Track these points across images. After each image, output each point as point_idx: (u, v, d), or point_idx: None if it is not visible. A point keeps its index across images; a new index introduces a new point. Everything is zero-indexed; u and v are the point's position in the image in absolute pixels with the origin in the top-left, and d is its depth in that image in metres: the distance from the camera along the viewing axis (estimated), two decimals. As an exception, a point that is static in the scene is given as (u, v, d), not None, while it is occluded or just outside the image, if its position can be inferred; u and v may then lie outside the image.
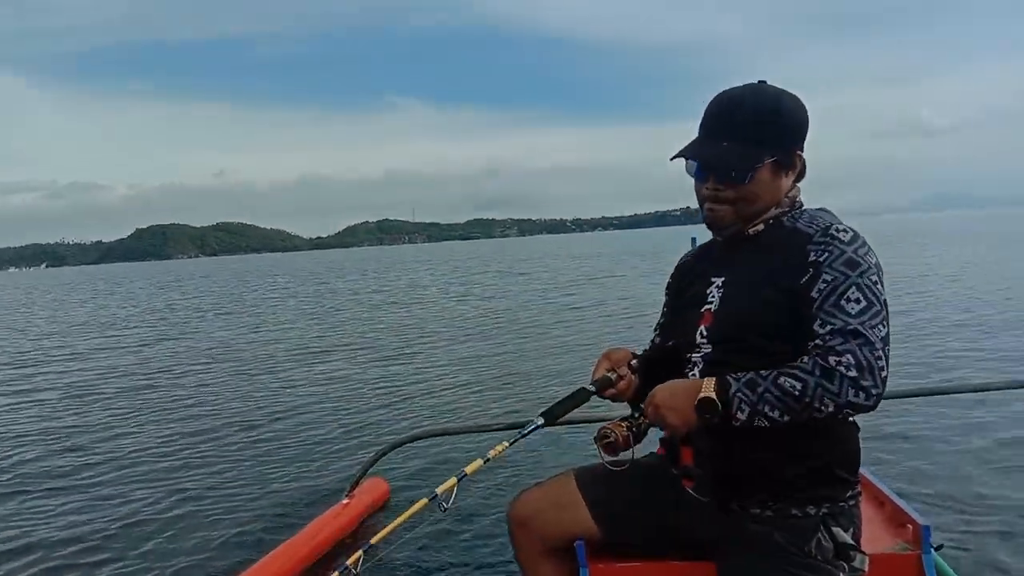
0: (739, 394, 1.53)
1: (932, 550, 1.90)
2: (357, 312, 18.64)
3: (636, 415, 1.72)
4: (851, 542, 1.66)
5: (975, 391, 4.13)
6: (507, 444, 1.87)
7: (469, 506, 4.21)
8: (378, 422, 6.70)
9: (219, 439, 6.41)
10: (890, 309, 1.58)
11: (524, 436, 1.85)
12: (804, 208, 1.78)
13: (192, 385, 9.25)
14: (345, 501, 4.05)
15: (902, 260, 24.05)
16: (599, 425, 1.73)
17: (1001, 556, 3.21)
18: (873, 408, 1.50)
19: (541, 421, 1.85)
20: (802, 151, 1.76)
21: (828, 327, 1.54)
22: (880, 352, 1.50)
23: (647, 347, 2.02)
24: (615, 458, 1.70)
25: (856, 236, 1.62)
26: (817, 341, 1.54)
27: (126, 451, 6.19)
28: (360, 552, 1.89)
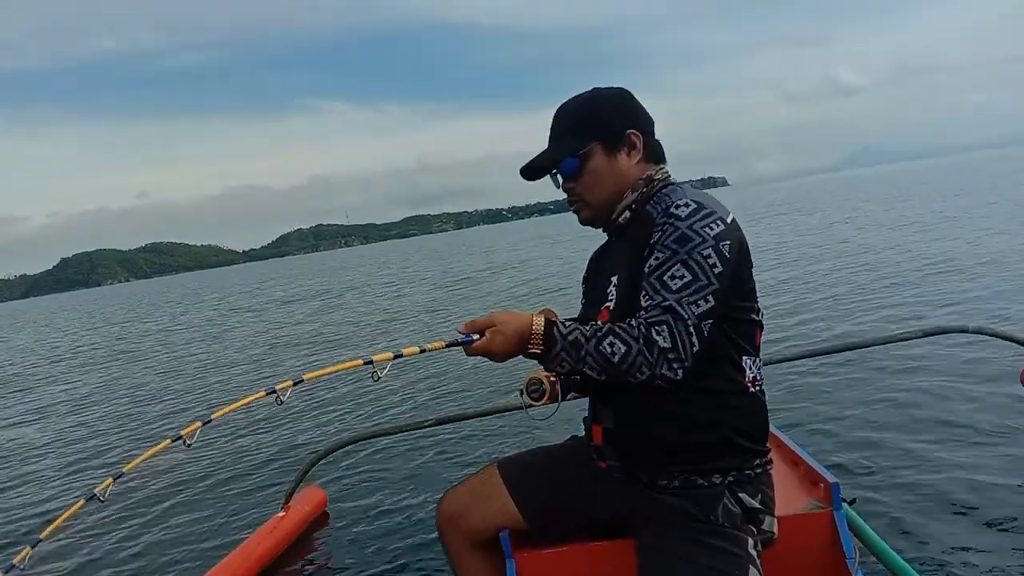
0: (562, 353, 1.62)
1: (844, 506, 1.96)
2: (266, 325, 18.33)
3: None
4: (758, 507, 1.71)
5: (885, 343, 4.25)
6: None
7: (404, 507, 4.20)
8: (308, 432, 6.62)
9: (135, 460, 6.21)
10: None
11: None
12: (663, 188, 1.81)
13: (106, 412, 8.97)
14: (281, 514, 3.99)
15: (819, 218, 24.78)
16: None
17: (913, 505, 3.32)
18: (680, 382, 1.57)
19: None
20: (636, 130, 1.83)
21: (648, 300, 1.61)
22: (692, 328, 1.56)
23: None
24: (540, 405, 1.82)
25: (697, 210, 1.64)
26: (640, 313, 1.61)
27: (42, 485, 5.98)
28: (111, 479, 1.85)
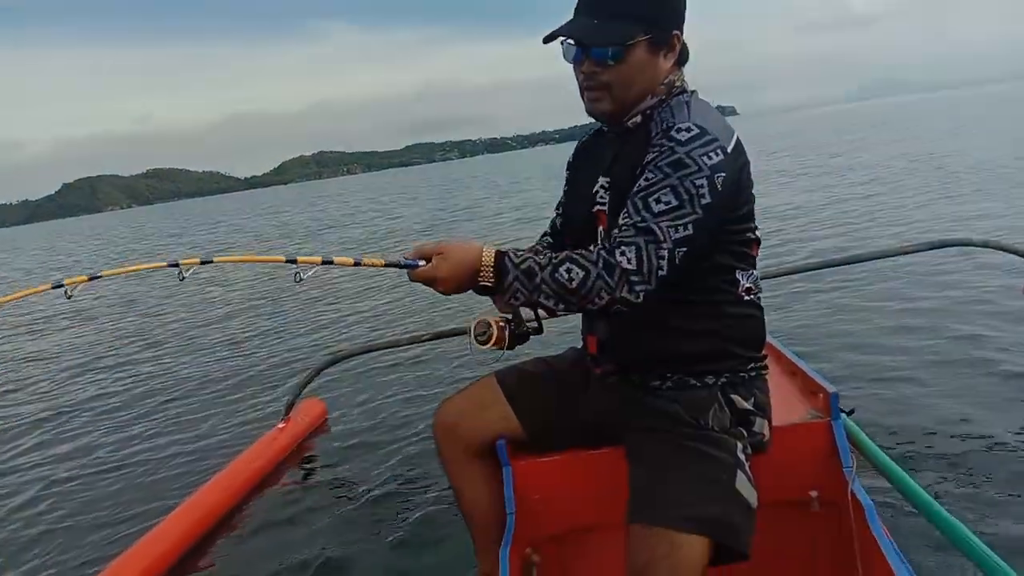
0: (516, 283, 1.55)
1: (842, 415, 1.94)
2: (270, 244, 18.35)
3: (515, 318, 1.76)
4: (750, 408, 1.70)
5: (888, 256, 4.21)
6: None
7: (402, 418, 4.21)
8: (310, 345, 6.65)
9: (144, 383, 6.28)
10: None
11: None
12: (679, 96, 1.69)
13: (109, 332, 9.01)
14: (281, 425, 4.03)
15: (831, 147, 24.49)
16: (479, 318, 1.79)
17: (912, 418, 3.31)
18: (640, 304, 1.51)
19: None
20: (681, 32, 1.69)
21: (626, 219, 1.54)
22: (665, 252, 1.49)
23: (546, 231, 2.07)
24: (486, 349, 1.74)
25: (700, 135, 1.54)
26: (613, 232, 1.55)
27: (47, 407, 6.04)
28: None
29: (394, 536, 2.97)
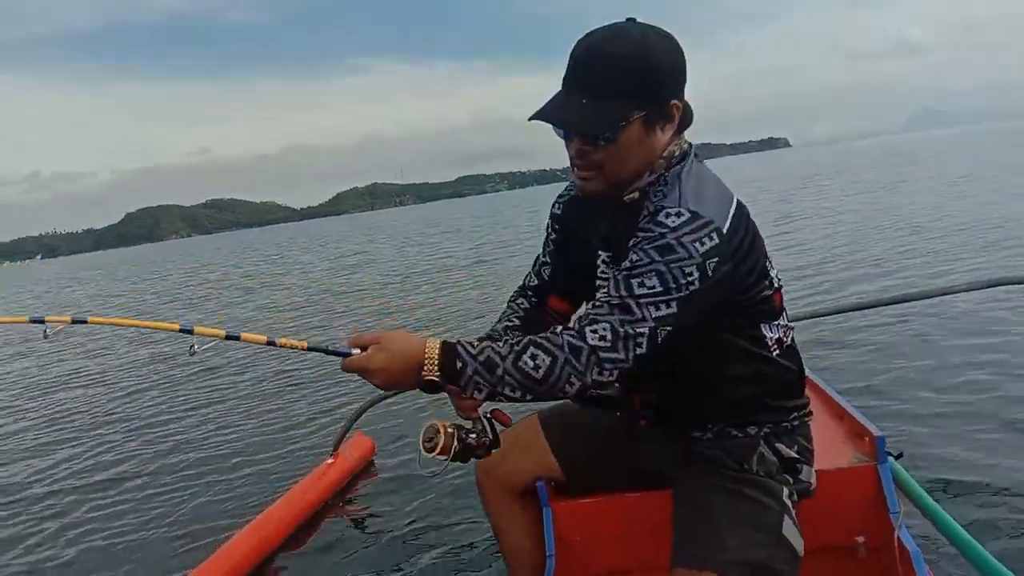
0: (476, 376, 1.44)
1: (889, 459, 1.92)
2: (327, 277, 18.61)
3: (473, 426, 1.60)
4: (795, 456, 1.69)
5: (941, 295, 4.13)
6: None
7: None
8: (357, 381, 6.66)
9: (191, 414, 6.40)
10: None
11: None
12: (676, 168, 1.58)
13: (163, 362, 9.23)
14: (330, 461, 4.09)
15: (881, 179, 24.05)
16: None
17: (962, 464, 3.25)
18: (616, 382, 1.45)
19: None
20: (681, 98, 1.57)
21: (603, 295, 1.46)
22: (645, 329, 1.41)
23: (520, 291, 1.98)
24: (434, 457, 1.54)
25: (691, 220, 1.44)
26: (587, 307, 1.48)
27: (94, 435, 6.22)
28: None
29: (440, 575, 2.99)
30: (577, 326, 1.44)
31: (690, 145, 1.63)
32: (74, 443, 6.04)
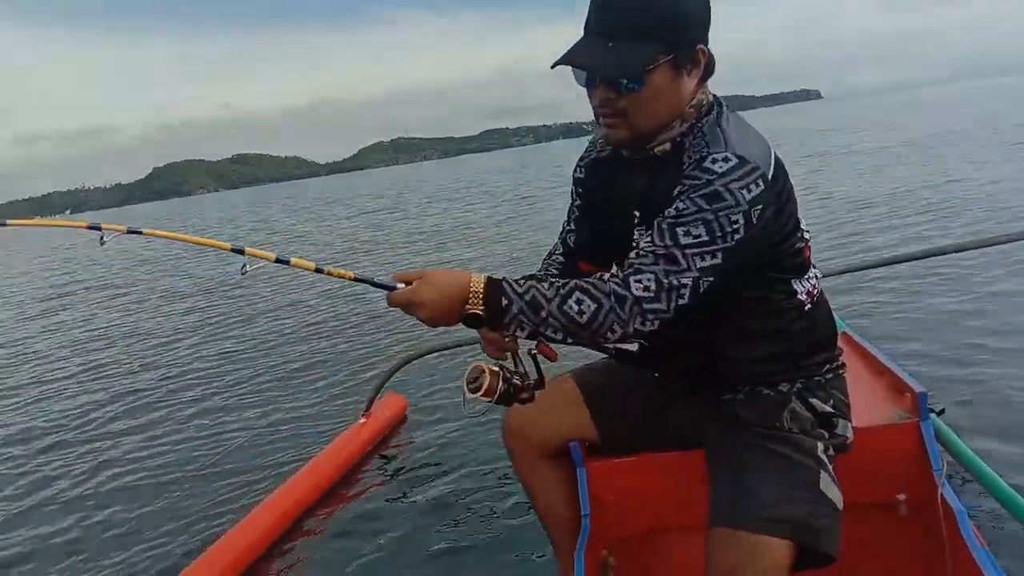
0: (520, 315, 1.43)
1: (931, 415, 1.90)
2: (352, 232, 18.61)
3: (516, 367, 1.61)
4: (830, 411, 1.67)
5: (980, 247, 4.02)
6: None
7: (480, 416, 4.28)
8: (390, 339, 6.73)
9: (225, 374, 6.44)
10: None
11: None
12: (710, 117, 1.56)
13: (194, 319, 9.38)
14: (362, 420, 4.09)
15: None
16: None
17: (1006, 419, 3.19)
18: (650, 332, 1.44)
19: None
20: (706, 43, 1.53)
21: (648, 245, 1.45)
22: (689, 280, 1.41)
23: (553, 251, 1.96)
24: (478, 399, 1.55)
25: (738, 166, 1.42)
26: (631, 256, 1.47)
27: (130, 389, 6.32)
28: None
29: (474, 536, 3.01)
30: (622, 275, 1.44)
31: (715, 96, 1.61)
32: (104, 377, 6.17)
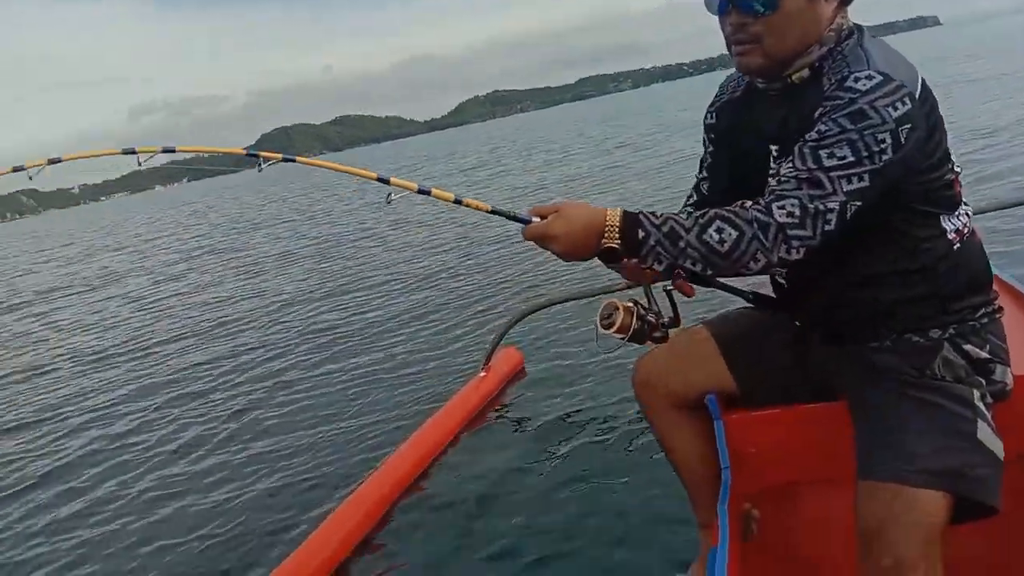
0: (658, 246, 1.42)
1: None
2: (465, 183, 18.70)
3: (650, 305, 1.59)
4: (986, 356, 1.57)
5: None
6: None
7: (597, 368, 4.28)
8: (506, 293, 6.82)
9: (343, 328, 6.70)
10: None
11: None
12: (850, 42, 1.50)
13: (315, 272, 9.69)
14: (482, 374, 4.18)
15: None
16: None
17: None
18: (796, 262, 1.39)
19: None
20: None
21: (789, 170, 1.40)
22: (835, 204, 1.35)
23: (690, 195, 1.91)
24: (611, 336, 1.56)
25: (884, 83, 1.37)
26: (772, 183, 1.41)
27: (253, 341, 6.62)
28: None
29: (603, 489, 3.02)
30: (764, 202, 1.39)
31: (855, 23, 1.54)
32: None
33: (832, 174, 1.36)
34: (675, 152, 16.04)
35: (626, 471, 3.11)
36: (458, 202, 1.65)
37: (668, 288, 1.63)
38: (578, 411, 3.81)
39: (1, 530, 3.88)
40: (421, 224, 12.60)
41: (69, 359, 7.79)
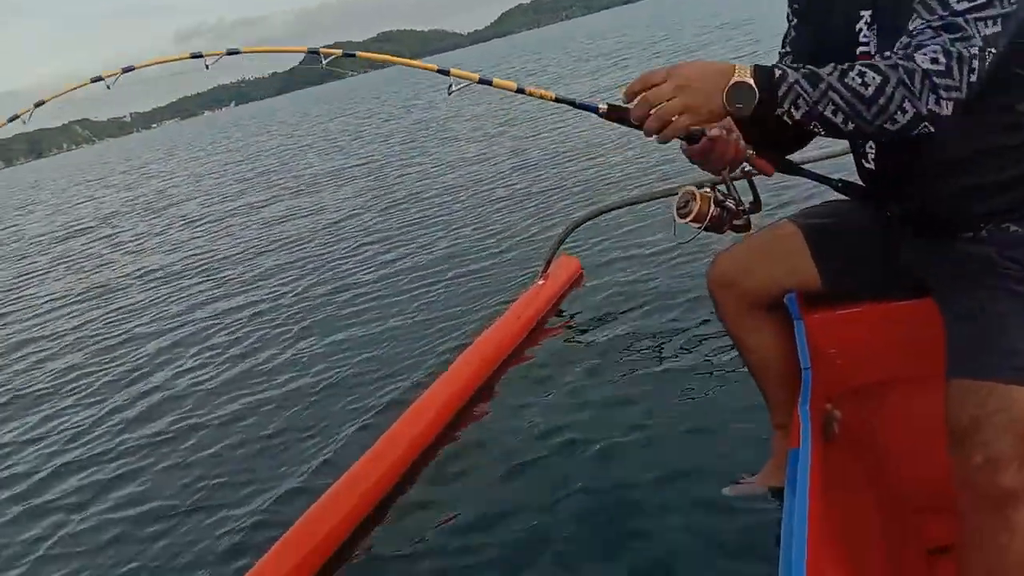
0: (797, 86, 1.28)
1: None
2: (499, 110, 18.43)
3: (729, 192, 1.54)
4: None
5: None
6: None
7: (659, 272, 4.20)
8: (562, 200, 6.74)
9: (408, 238, 6.76)
10: None
11: None
12: None
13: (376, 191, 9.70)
14: (540, 282, 4.15)
15: None
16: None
17: None
18: (946, 119, 1.27)
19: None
20: None
21: (918, 23, 1.30)
22: (976, 49, 1.24)
23: None
24: (685, 223, 1.52)
25: None
26: (904, 39, 1.30)
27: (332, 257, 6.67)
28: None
29: (672, 393, 2.97)
30: (902, 52, 1.30)
31: None
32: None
33: (968, 16, 1.27)
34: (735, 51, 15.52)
35: (698, 377, 3.06)
36: (520, 91, 1.60)
37: (746, 169, 1.56)
38: (641, 319, 3.75)
39: (111, 411, 4.33)
40: (472, 136, 12.49)
41: (137, 278, 8.13)
